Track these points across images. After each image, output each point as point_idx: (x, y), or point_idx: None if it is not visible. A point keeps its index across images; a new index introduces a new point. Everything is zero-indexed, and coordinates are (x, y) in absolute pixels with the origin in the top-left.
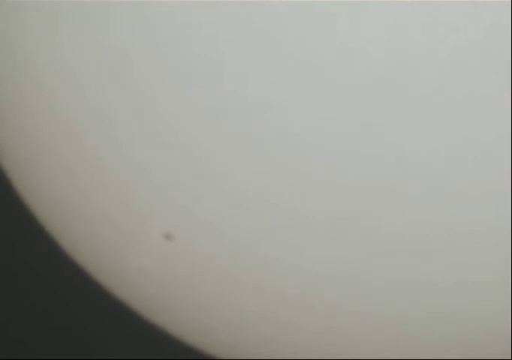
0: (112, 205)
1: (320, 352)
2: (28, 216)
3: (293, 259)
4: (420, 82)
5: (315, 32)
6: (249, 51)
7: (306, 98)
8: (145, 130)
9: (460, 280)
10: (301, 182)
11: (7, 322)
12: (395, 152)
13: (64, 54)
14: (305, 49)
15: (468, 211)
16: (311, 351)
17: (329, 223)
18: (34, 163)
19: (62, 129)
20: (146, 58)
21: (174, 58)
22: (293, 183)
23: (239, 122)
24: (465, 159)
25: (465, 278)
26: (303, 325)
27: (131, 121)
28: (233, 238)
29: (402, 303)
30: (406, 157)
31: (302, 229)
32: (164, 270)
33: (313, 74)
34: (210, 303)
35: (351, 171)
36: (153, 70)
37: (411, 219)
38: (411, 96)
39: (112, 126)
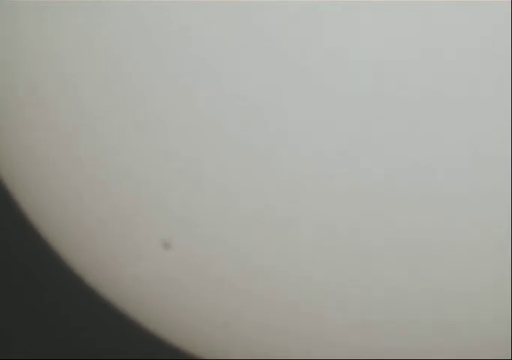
0: (110, 213)
1: (315, 357)
2: (26, 223)
3: (291, 268)
4: (418, 88)
5: (311, 36)
6: (246, 55)
7: (305, 104)
8: (142, 137)
9: (460, 282)
10: (299, 190)
11: (5, 328)
12: (392, 159)
13: (61, 57)
14: (301, 54)
15: (467, 218)
16: (309, 357)
17: (326, 231)
18: (32, 172)
19: (60, 137)
20: (143, 63)
21: (170, 61)
22: (290, 191)
23: (238, 131)
24: (464, 167)
25: (466, 279)
26: (304, 332)
27: (129, 129)
28: (232, 246)
29: (402, 306)
30: (404, 165)
31: (300, 237)
32: (162, 278)
33: (309, 78)
34: (208, 310)
35: (350, 178)
36: (151, 77)
37: (410, 226)
38: (408, 102)
39: (110, 134)
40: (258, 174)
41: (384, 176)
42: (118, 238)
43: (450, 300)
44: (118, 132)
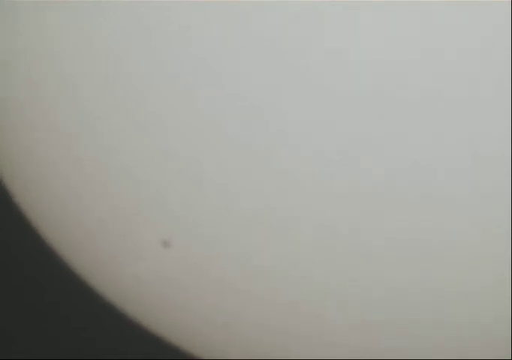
0: (110, 213)
1: (315, 357)
2: (26, 223)
3: (291, 268)
4: (418, 88)
5: (311, 36)
6: (246, 55)
7: (305, 104)
8: (142, 137)
9: (460, 282)
10: (299, 190)
11: (5, 328)
12: (392, 159)
13: (61, 57)
14: (301, 54)
15: (467, 218)
16: (309, 357)
17: (326, 231)
18: (32, 172)
19: (60, 137)
20: (143, 63)
21: (170, 61)
22: (290, 191)
23: (238, 131)
24: (464, 167)
25: (466, 279)
26: (304, 332)
27: (129, 129)
28: (232, 246)
29: (402, 306)
30: (404, 165)
31: (300, 237)
32: (162, 278)
33: (309, 78)
34: (208, 310)
35: (350, 178)
36: (151, 77)
37: (410, 226)
38: (408, 102)
39: (110, 134)
40: (258, 174)
41: (384, 176)
42: (118, 238)
43: (450, 300)
44: (118, 132)
